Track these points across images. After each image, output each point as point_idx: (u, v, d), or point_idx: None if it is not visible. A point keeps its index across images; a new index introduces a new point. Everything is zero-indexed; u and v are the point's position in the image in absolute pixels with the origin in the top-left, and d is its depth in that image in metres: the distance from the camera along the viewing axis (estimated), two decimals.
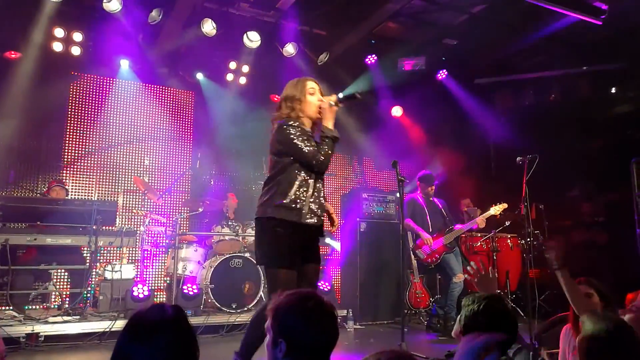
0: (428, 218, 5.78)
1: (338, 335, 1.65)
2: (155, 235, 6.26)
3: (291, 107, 2.97)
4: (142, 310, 1.38)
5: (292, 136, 2.86)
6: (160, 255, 6.47)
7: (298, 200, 2.87)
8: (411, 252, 6.00)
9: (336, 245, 7.31)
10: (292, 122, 2.89)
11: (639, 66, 6.61)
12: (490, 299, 1.92)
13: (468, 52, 7.00)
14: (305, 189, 2.91)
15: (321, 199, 3.02)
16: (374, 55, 6.94)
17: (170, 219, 5.97)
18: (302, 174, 2.91)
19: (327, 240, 7.39)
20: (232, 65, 6.81)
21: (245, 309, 5.49)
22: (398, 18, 6.53)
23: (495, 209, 5.68)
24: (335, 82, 7.26)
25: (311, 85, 3.02)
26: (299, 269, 2.95)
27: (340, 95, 3.00)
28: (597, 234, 7.16)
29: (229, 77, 6.95)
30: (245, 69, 6.88)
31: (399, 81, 7.31)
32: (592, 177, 6.78)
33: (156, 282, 6.49)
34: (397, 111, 8.02)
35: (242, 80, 7.02)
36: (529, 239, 5.24)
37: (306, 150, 2.85)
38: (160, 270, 6.51)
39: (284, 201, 2.85)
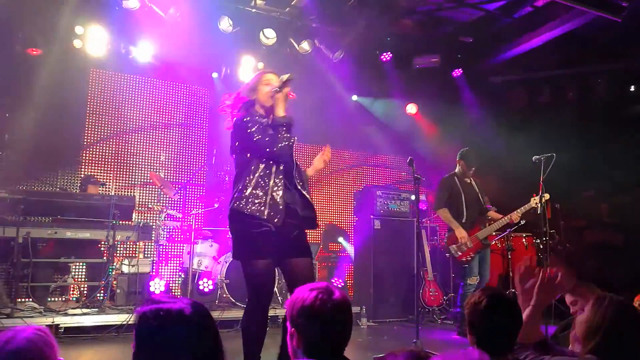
0: (464, 205, 5.30)
1: (351, 328, 1.66)
2: (171, 230, 6.34)
3: (245, 94, 3.04)
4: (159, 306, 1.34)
5: (248, 131, 2.89)
6: (176, 250, 6.55)
7: (260, 195, 2.86)
8: (445, 248, 5.45)
9: (347, 246, 7.34)
10: (249, 118, 2.93)
11: None
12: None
13: (483, 49, 6.96)
14: (268, 181, 2.89)
15: (288, 190, 2.96)
16: (389, 53, 6.92)
17: (186, 214, 6.03)
18: (264, 166, 2.91)
19: (340, 239, 7.43)
20: (248, 61, 6.84)
21: None
22: (413, 15, 6.52)
23: (536, 200, 5.04)
24: (349, 79, 7.30)
25: (267, 76, 3.06)
26: (286, 264, 2.95)
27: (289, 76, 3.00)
28: (612, 235, 7.10)
29: (245, 73, 6.98)
30: (261, 65, 6.91)
31: (414, 78, 7.29)
32: (609, 177, 6.71)
33: (171, 276, 6.57)
34: (411, 108, 8.00)
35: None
36: (544, 238, 5.22)
37: (262, 142, 2.87)
38: (175, 265, 6.59)
39: (244, 194, 2.85)
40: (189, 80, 7.23)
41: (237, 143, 2.99)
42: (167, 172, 6.88)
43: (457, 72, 7.32)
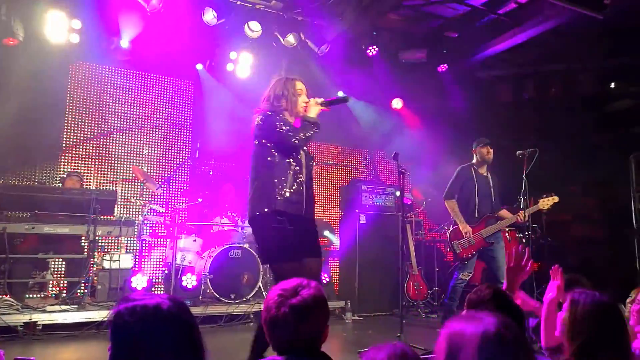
0: (477, 199, 5.13)
1: (322, 324, 1.66)
2: (154, 225, 6.25)
3: (278, 105, 3.02)
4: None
5: (276, 123, 2.92)
6: (159, 246, 6.46)
7: (289, 192, 2.90)
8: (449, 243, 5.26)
9: (334, 238, 7.32)
10: (275, 114, 2.97)
11: (639, 62, 6.60)
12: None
13: (469, 45, 6.97)
14: (289, 177, 2.92)
15: (303, 187, 3.00)
16: (375, 47, 6.90)
17: (169, 209, 5.95)
18: (286, 161, 2.95)
19: (326, 233, 7.40)
20: (233, 55, 6.75)
21: (244, 299, 5.49)
22: (399, 10, 6.50)
23: (544, 203, 4.99)
24: (335, 73, 7.26)
25: (299, 86, 3.09)
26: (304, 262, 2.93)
27: (334, 97, 3.16)
28: (596, 229, 7.19)
29: (229, 66, 6.90)
30: (246, 58, 6.83)
31: (400, 73, 7.28)
32: (592, 172, 6.79)
33: (154, 272, 6.48)
34: (397, 103, 8.00)
35: (243, 70, 6.97)
36: (527, 233, 5.26)
37: (284, 132, 2.91)
38: (158, 260, 6.50)
39: (278, 194, 2.88)
40: (172, 72, 7.13)
41: (262, 134, 2.98)
42: (150, 166, 6.77)
43: (443, 67, 7.33)
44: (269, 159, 2.95)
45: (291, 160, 2.98)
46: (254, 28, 6.27)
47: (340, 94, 3.15)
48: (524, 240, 5.33)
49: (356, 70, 7.17)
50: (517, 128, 7.08)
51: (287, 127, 2.93)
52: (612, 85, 7.33)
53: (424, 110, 7.96)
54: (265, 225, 2.90)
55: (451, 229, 5.27)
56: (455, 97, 7.60)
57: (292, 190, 2.91)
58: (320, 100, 3.09)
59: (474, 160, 5.33)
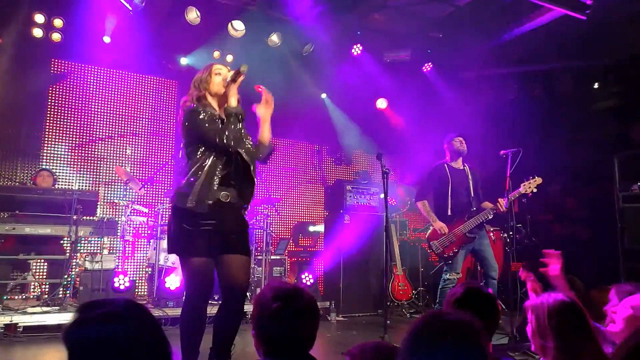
0: (449, 195, 5.02)
1: (317, 327, 1.68)
2: (137, 225, 6.20)
3: (198, 87, 3.02)
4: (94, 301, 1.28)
5: (198, 120, 2.86)
6: (142, 246, 6.41)
7: (191, 187, 2.83)
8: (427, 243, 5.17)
9: (319, 228, 7.29)
10: (196, 108, 2.91)
11: (622, 62, 6.66)
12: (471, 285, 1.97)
13: (453, 45, 6.99)
14: (211, 172, 2.87)
15: (233, 181, 2.94)
16: (359, 46, 6.89)
17: (153, 209, 5.90)
18: (210, 157, 2.88)
19: (311, 228, 7.38)
20: (216, 54, 6.72)
21: None
22: (383, 9, 6.50)
23: (527, 186, 4.83)
24: (319, 73, 7.26)
25: (217, 67, 3.07)
26: (217, 258, 2.89)
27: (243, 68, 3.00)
28: (579, 229, 7.24)
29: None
30: (230, 58, 6.80)
31: (384, 73, 7.28)
32: (575, 172, 6.84)
33: (137, 273, 6.43)
34: (381, 103, 8.00)
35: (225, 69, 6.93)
36: (511, 232, 5.28)
37: (211, 132, 2.84)
38: (141, 261, 6.45)
39: (181, 189, 2.86)
40: (156, 72, 7.06)
41: (186, 131, 2.95)
42: (133, 166, 6.72)
43: (427, 67, 7.35)
44: (189, 151, 2.94)
45: (219, 153, 2.91)
46: (237, 27, 6.24)
47: (242, 67, 3.06)
48: (508, 240, 5.33)
49: (341, 70, 7.17)
50: (500, 128, 7.10)
51: (210, 126, 2.86)
52: (596, 85, 7.39)
53: (409, 110, 7.97)
54: (176, 217, 2.89)
55: (430, 229, 5.17)
56: (440, 97, 7.62)
57: (214, 184, 2.87)
58: (231, 73, 2.99)
59: (447, 157, 5.26)
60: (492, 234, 6.60)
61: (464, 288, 2.01)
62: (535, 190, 4.88)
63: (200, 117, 2.87)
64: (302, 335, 1.65)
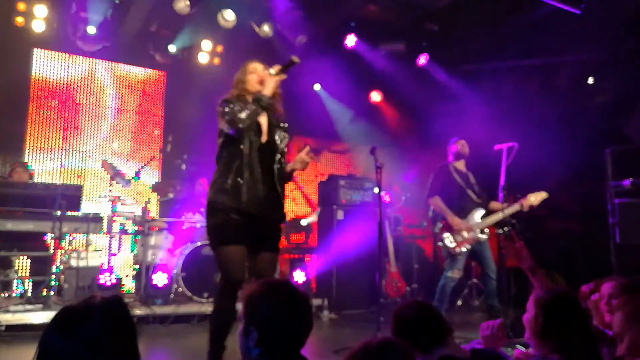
0: (461, 194, 5.04)
1: (311, 325, 1.63)
2: (124, 221, 6.04)
3: (236, 87, 3.06)
4: (71, 304, 1.27)
5: (225, 107, 2.89)
6: (129, 243, 6.25)
7: (236, 184, 2.85)
8: (438, 238, 5.15)
9: (313, 218, 7.17)
10: (229, 98, 2.95)
11: (616, 57, 6.62)
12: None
13: (449, 37, 6.90)
14: (244, 169, 2.87)
15: (261, 184, 2.93)
16: (353, 37, 6.76)
17: (140, 204, 5.75)
18: (236, 155, 2.89)
19: (303, 222, 7.25)
20: (206, 45, 6.56)
21: None
22: (378, 1, 6.38)
23: (535, 197, 4.99)
24: (313, 65, 7.12)
25: (252, 65, 3.10)
26: (250, 255, 2.92)
27: (285, 62, 3.03)
28: (573, 224, 7.23)
29: (203, 57, 6.70)
30: (220, 49, 6.65)
31: (378, 65, 7.17)
32: (569, 167, 6.80)
33: (124, 270, 6.27)
34: (376, 96, 7.89)
35: (216, 60, 6.78)
36: (506, 228, 5.21)
37: (227, 111, 2.86)
38: (128, 257, 6.29)
39: (218, 185, 2.87)
40: (143, 63, 6.88)
41: (220, 122, 2.97)
42: (120, 160, 6.55)
43: (423, 60, 7.25)
44: (222, 143, 2.98)
45: (241, 142, 2.91)
46: (228, 17, 6.09)
47: (294, 58, 3.04)
48: (503, 237, 5.27)
49: (334, 62, 7.04)
50: (496, 122, 7.04)
51: (229, 110, 2.87)
52: (590, 80, 7.36)
53: (404, 103, 7.88)
54: (211, 213, 2.91)
55: (440, 224, 5.11)
56: (435, 90, 7.54)
57: (238, 182, 2.86)
58: (274, 70, 3.03)
59: (451, 159, 5.26)
60: (486, 230, 6.54)
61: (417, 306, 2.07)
62: (538, 204, 4.99)
63: (229, 104, 2.89)
64: (297, 332, 1.59)
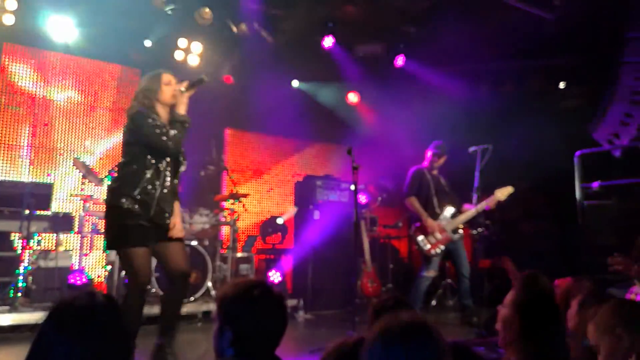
0: (434, 197, 5.23)
1: (286, 325, 1.63)
2: (96, 220, 5.90)
3: (148, 97, 3.14)
4: (70, 298, 1.26)
5: (144, 124, 3.02)
6: (101, 242, 6.12)
7: (145, 194, 3.01)
8: (412, 239, 5.38)
9: (288, 215, 7.13)
10: (146, 112, 3.06)
11: (587, 62, 6.79)
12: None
13: (426, 39, 6.96)
14: (155, 179, 3.05)
15: (165, 190, 3.12)
16: (330, 38, 6.77)
17: None
18: (153, 162, 3.05)
19: (279, 220, 7.20)
20: (182, 42, 6.47)
21: (192, 299, 5.27)
22: (357, 1, 6.40)
23: (501, 192, 5.18)
24: (290, 64, 7.11)
25: (167, 77, 3.21)
26: (158, 249, 3.13)
27: (193, 80, 3.21)
28: (545, 225, 7.38)
29: (179, 55, 6.61)
30: (196, 47, 6.56)
31: (357, 66, 7.19)
32: (541, 169, 6.94)
33: (95, 270, 6.13)
34: (353, 97, 7.91)
35: (193, 58, 6.69)
36: (480, 229, 5.30)
37: (155, 135, 3.01)
38: (100, 258, 6.16)
39: (133, 193, 2.99)
40: (118, 59, 6.74)
41: (130, 134, 3.10)
42: (93, 159, 6.40)
43: (400, 62, 7.29)
44: (133, 154, 3.09)
45: (160, 158, 3.09)
46: (204, 15, 6.02)
47: (204, 77, 3.23)
48: (477, 237, 5.36)
49: (312, 62, 7.04)
50: (470, 124, 7.14)
51: (158, 132, 3.03)
52: (562, 84, 7.53)
53: (381, 104, 7.91)
54: (113, 217, 3.06)
55: (414, 226, 5.27)
56: (412, 92, 7.60)
57: (149, 192, 3.04)
58: (184, 85, 3.18)
59: (426, 163, 5.43)
60: (460, 230, 6.62)
61: (394, 299, 2.07)
62: (507, 198, 5.20)
63: (148, 120, 3.02)
64: (272, 331, 1.59)
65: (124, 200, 2.97)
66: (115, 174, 3.18)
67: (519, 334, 1.90)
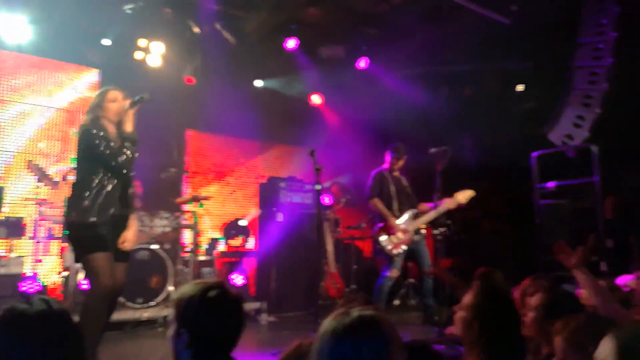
0: (395, 199, 5.32)
1: (243, 326, 1.63)
2: (51, 225, 5.70)
3: (95, 113, 3.26)
4: (22, 304, 1.23)
5: (93, 142, 3.13)
6: (57, 248, 5.91)
7: (94, 204, 3.11)
8: (375, 239, 5.39)
9: (253, 213, 7.10)
10: (95, 128, 3.17)
11: (543, 66, 7.01)
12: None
13: (387, 42, 7.04)
14: (104, 192, 3.15)
15: (123, 207, 3.27)
16: (293, 40, 6.76)
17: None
18: (103, 177, 3.17)
19: (241, 222, 7.15)
20: (142, 42, 6.33)
21: (153, 303, 5.16)
22: (319, 3, 6.41)
23: (462, 195, 5.31)
24: (253, 65, 7.06)
25: (112, 94, 3.32)
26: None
27: (135, 98, 3.29)
28: (503, 224, 7.57)
29: (139, 55, 6.47)
30: (157, 47, 6.43)
31: (319, 68, 7.21)
32: (500, 170, 7.13)
33: (50, 277, 5.91)
34: (316, 99, 7.92)
35: (153, 59, 6.56)
36: (442, 229, 5.39)
37: (107, 153, 3.13)
38: (55, 264, 5.95)
39: (84, 204, 3.09)
40: (74, 59, 6.53)
41: (82, 151, 3.22)
42: (48, 161, 6.19)
43: (362, 64, 7.35)
44: (85, 169, 3.22)
45: (112, 175, 3.20)
46: (166, 15, 5.91)
47: (146, 95, 3.33)
48: (439, 237, 5.45)
49: (275, 63, 7.01)
50: (431, 126, 7.26)
51: (109, 149, 3.14)
52: (519, 87, 7.75)
53: (344, 106, 7.95)
54: (75, 230, 3.18)
55: (377, 226, 5.34)
56: (373, 94, 7.66)
57: (106, 202, 3.16)
58: (127, 103, 3.29)
59: (386, 165, 5.51)
60: (422, 231, 6.71)
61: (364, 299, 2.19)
62: (467, 202, 5.33)
63: (95, 139, 3.13)
64: (228, 333, 1.59)
65: (79, 212, 3.09)
66: (72, 187, 3.26)
67: (477, 334, 1.90)
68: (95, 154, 3.15)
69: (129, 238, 3.30)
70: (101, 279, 3.06)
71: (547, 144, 6.55)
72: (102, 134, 3.16)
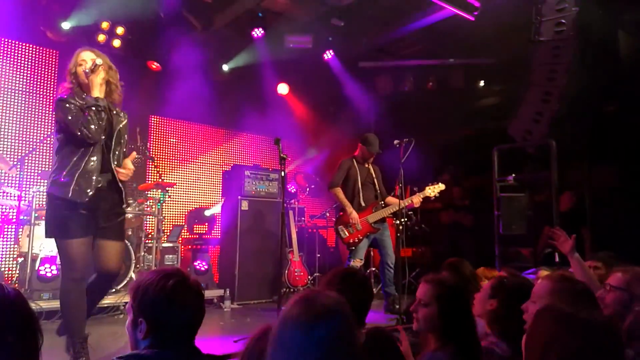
0: (359, 187, 5.34)
1: (203, 314, 1.62)
2: (7, 210, 5.55)
3: (69, 80, 3.12)
4: None
5: (64, 111, 2.96)
6: (12, 233, 5.75)
7: (70, 177, 2.97)
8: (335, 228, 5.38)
9: (215, 209, 7.08)
10: (65, 98, 3.00)
11: (504, 62, 7.19)
12: None
13: (353, 34, 7.08)
14: (81, 163, 3.00)
15: (96, 173, 3.06)
16: (260, 29, 6.72)
17: (26, 192, 5.30)
18: (77, 148, 3.01)
19: (207, 212, 7.13)
20: (105, 25, 6.17)
21: (113, 290, 5.09)
22: None
23: (432, 189, 5.35)
24: (220, 52, 6.98)
25: (82, 57, 3.13)
26: (95, 243, 3.07)
27: (98, 61, 3.09)
28: (463, 216, 7.78)
29: (101, 37, 6.30)
30: (120, 30, 6.28)
31: (286, 58, 7.19)
32: (461, 163, 7.31)
33: (6, 262, 5.76)
34: (283, 89, 7.91)
35: (116, 42, 6.41)
36: (402, 219, 5.50)
37: (72, 124, 2.95)
38: (11, 249, 5.79)
39: (59, 178, 2.97)
40: (33, 39, 6.31)
41: (57, 123, 3.08)
42: (3, 144, 5.99)
43: (328, 55, 7.37)
44: (61, 141, 3.07)
45: (85, 144, 3.02)
46: None
47: (98, 60, 3.10)
48: (400, 227, 5.57)
49: (242, 52, 6.96)
50: (395, 119, 7.37)
51: (72, 118, 2.96)
52: (481, 83, 7.94)
53: (311, 97, 7.97)
54: (49, 205, 3.06)
55: (337, 215, 5.40)
56: (339, 85, 7.71)
57: (74, 174, 2.99)
58: (89, 65, 3.07)
59: (357, 154, 5.51)
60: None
61: (342, 271, 2.16)
62: (437, 195, 5.37)
63: (66, 107, 2.95)
64: (188, 321, 1.56)
65: (59, 186, 2.95)
66: (53, 161, 3.13)
67: (438, 322, 1.97)
68: (61, 126, 3.02)
69: (127, 167, 3.20)
70: (72, 269, 2.97)
71: (507, 139, 6.74)
72: (67, 105, 2.98)
